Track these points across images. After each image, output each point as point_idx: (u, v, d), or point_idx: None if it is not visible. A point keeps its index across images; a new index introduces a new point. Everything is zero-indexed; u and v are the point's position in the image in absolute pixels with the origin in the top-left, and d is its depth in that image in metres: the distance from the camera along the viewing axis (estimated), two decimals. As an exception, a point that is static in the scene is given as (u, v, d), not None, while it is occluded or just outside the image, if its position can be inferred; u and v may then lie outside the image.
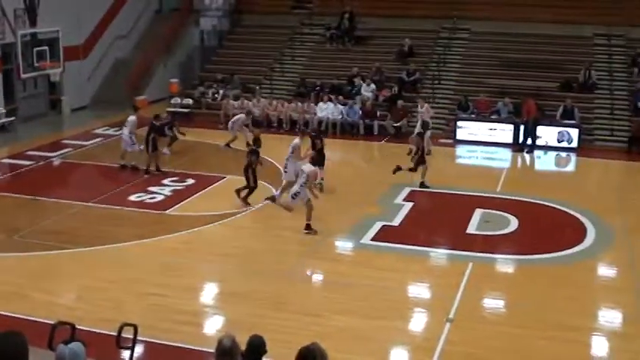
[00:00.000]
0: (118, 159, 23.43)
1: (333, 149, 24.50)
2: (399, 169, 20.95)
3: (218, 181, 21.96)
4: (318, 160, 19.34)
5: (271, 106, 30.59)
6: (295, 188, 17.68)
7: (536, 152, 26.85)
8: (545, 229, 18.41)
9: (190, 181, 21.86)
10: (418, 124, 24.88)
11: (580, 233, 18.05)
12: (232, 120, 26.61)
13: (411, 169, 21.03)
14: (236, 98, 31.15)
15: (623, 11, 32.69)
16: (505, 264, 16.47)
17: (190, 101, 31.96)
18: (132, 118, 23.45)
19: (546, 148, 27.27)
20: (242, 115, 26.53)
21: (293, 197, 17.64)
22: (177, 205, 19.72)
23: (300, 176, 17.83)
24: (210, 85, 32.69)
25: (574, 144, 27.39)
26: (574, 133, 27.49)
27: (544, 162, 26.80)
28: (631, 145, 27.25)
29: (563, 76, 30.46)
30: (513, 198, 20.92)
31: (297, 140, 20.48)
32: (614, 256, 17.03)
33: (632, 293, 14.89)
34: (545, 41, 31.94)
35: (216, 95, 32.02)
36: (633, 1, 33.00)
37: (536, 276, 15.66)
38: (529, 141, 27.20)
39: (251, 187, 19.62)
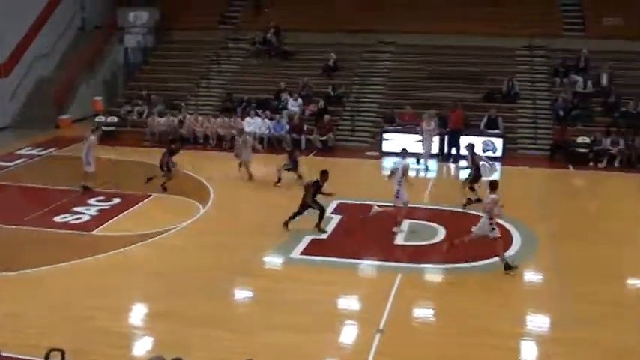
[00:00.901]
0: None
1: (262, 164, 24.49)
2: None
3: (144, 199, 21.69)
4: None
5: (197, 122, 30.43)
6: None
7: (462, 162, 27.17)
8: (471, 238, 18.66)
9: (116, 201, 21.54)
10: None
11: (505, 240, 18.31)
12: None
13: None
14: (161, 115, 30.90)
15: (545, 23, 33.50)
16: (433, 273, 16.62)
17: (115, 119, 31.58)
18: (92, 138, 23.01)
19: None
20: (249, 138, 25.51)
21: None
22: (103, 225, 19.38)
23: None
24: (136, 102, 32.36)
25: (498, 153, 27.89)
26: (498, 142, 27.99)
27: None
28: (553, 153, 27.93)
29: (487, 87, 31.03)
30: (440, 208, 21.19)
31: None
32: (539, 262, 17.35)
33: (557, 298, 15.20)
34: (468, 53, 32.52)
35: (141, 113, 31.70)
36: (554, 14, 33.86)
37: (463, 284, 15.85)
38: (453, 151, 27.64)
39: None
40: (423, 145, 27.08)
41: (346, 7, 34.95)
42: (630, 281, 16.66)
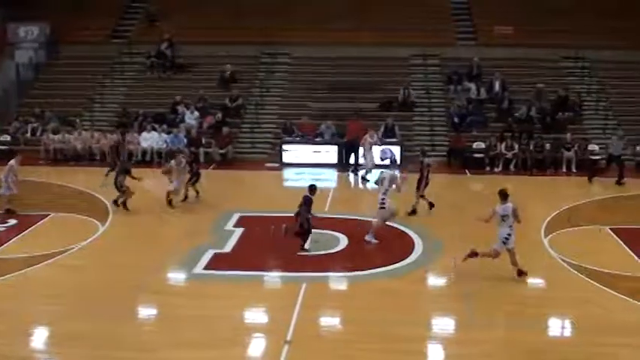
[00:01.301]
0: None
1: (161, 180, 24.06)
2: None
3: (42, 219, 21.05)
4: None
5: (93, 138, 29.81)
6: None
7: (361, 171, 27.42)
8: (374, 245, 18.83)
9: (13, 222, 20.85)
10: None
11: (408, 246, 18.57)
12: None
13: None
14: (56, 132, 30.15)
15: (437, 33, 34.20)
16: (338, 281, 16.66)
17: (8, 137, 30.65)
18: (12, 162, 22.18)
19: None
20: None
21: None
22: (0, 248, 18.71)
23: None
24: (28, 119, 31.48)
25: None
26: (396, 150, 28.33)
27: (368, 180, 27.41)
28: (450, 158, 28.48)
29: (384, 96, 31.41)
30: (341, 217, 21.29)
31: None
32: (441, 265, 17.57)
33: (460, 300, 15.42)
34: (364, 64, 32.90)
35: (35, 130, 30.88)
36: (446, 24, 34.59)
37: (368, 290, 15.90)
38: (352, 160, 27.87)
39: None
40: (365, 157, 27.03)
41: (242, 19, 34.85)
42: (534, 280, 17.09)
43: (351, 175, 27.41)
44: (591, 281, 16.60)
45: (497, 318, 14.55)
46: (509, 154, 28.13)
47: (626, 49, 33.34)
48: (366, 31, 33.71)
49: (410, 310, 14.92)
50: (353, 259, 17.72)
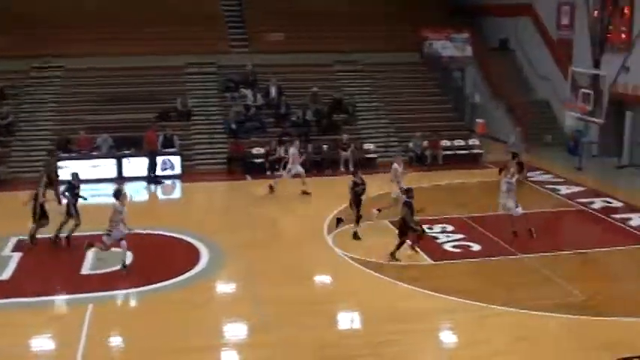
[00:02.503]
0: None
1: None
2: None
3: None
4: None
5: None
6: None
7: (135, 184, 26.97)
8: (160, 258, 18.68)
9: None
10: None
11: (194, 256, 18.56)
12: None
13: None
14: None
15: (212, 41, 34.34)
16: (125, 298, 16.34)
17: None
18: None
19: (153, 179, 27.61)
20: None
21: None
22: None
23: None
24: None
25: (177, 171, 28.16)
26: (176, 160, 28.22)
27: (151, 192, 27.14)
28: (229, 165, 28.71)
29: (161, 106, 31.13)
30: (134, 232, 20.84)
31: None
32: (229, 272, 17.80)
33: (250, 304, 15.68)
34: (140, 74, 32.45)
35: None
36: (220, 31, 34.84)
37: (157, 305, 15.76)
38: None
39: None
40: (291, 168, 25.83)
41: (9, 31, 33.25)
42: (321, 278, 17.69)
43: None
44: (375, 273, 17.39)
45: (288, 318, 14.89)
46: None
47: (392, 51, 35.23)
48: (142, 41, 33.16)
49: (201, 320, 14.94)
50: (140, 274, 17.45)
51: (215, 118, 31.33)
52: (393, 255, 18.09)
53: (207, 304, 15.98)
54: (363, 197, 20.47)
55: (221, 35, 35.36)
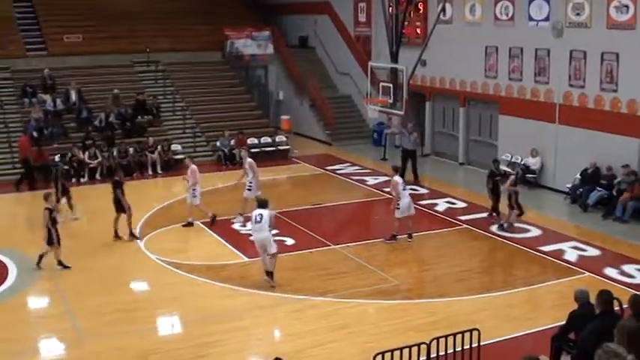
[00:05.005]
0: None
1: None
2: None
3: None
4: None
5: None
6: None
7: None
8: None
9: None
10: None
11: (2, 271, 17.74)
12: None
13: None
14: None
15: (6, 45, 32.90)
16: None
17: None
18: None
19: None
20: None
21: None
22: None
23: None
24: None
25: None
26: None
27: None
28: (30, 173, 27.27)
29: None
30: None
31: None
32: (43, 286, 17.05)
33: (67, 318, 15.11)
34: None
35: None
36: (13, 35, 33.46)
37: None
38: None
39: None
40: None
41: None
42: (137, 284, 17.43)
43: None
44: (192, 276, 17.31)
45: (106, 328, 14.50)
46: (94, 163, 27.90)
47: (194, 50, 35.14)
48: None
49: (15, 339, 14.21)
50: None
51: (14, 126, 29.94)
52: None
53: (18, 322, 15.11)
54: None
55: (15, 39, 33.90)
